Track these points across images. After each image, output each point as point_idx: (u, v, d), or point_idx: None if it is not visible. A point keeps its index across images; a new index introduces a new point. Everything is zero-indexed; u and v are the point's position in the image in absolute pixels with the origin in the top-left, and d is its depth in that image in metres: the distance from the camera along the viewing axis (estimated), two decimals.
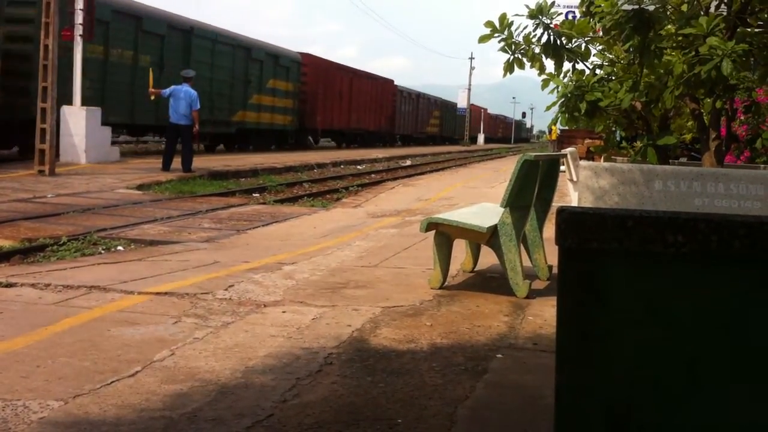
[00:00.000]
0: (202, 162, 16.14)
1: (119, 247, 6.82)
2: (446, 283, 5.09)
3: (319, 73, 30.89)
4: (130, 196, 10.72)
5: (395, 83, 44.45)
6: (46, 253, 6.36)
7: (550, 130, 23.90)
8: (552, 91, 6.70)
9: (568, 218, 1.17)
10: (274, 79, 26.49)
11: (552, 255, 5.29)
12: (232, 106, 23.37)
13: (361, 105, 37.08)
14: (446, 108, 59.40)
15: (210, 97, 20.36)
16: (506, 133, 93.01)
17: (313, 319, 4.14)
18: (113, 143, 16.53)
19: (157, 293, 4.60)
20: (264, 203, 11.41)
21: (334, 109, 33.04)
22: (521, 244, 5.09)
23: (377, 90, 40.20)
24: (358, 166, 22.26)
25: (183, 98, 14.23)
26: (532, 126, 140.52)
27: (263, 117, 25.79)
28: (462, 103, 62.82)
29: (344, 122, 34.71)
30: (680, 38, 6.38)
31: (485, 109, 76.59)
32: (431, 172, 22.41)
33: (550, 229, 5.91)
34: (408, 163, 26.08)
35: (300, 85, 29.18)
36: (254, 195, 12.73)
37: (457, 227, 4.92)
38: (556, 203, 5.33)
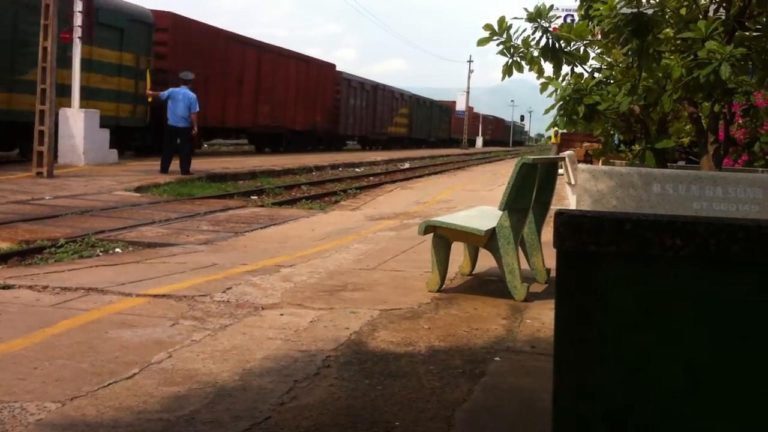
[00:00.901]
0: (200, 164, 16.13)
1: (117, 250, 6.81)
2: (444, 286, 5.09)
3: (192, 45, 20.43)
4: (128, 199, 10.71)
5: (338, 69, 33.97)
6: (44, 255, 6.35)
7: (557, 133, 23.69)
8: (551, 95, 6.71)
9: (566, 221, 1.17)
10: (89, 45, 16.05)
11: (550, 258, 5.29)
12: None
13: (280, 95, 26.75)
14: (419, 104, 49.12)
15: None
16: (497, 135, 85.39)
17: (311, 321, 4.13)
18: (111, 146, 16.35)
19: (155, 295, 4.59)
20: (262, 206, 11.40)
21: (229, 98, 23.02)
22: (519, 247, 5.09)
23: (309, 76, 29.67)
24: (357, 169, 22.27)
25: (181, 100, 14.21)
26: (527, 130, 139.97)
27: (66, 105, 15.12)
28: (461, 105, 62.76)
29: (248, 118, 24.73)
30: (679, 42, 6.40)
31: (471, 108, 69.82)
32: (429, 174, 22.42)
33: (548, 233, 5.93)
34: (407, 165, 26.09)
35: (154, 60, 18.90)
36: (252, 197, 12.72)
37: (455, 230, 4.92)
38: (554, 206, 5.34)
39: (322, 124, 31.51)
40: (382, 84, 41.92)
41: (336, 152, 31.41)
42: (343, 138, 36.08)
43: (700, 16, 6.32)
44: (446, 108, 58.84)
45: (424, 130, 51.17)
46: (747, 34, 6.45)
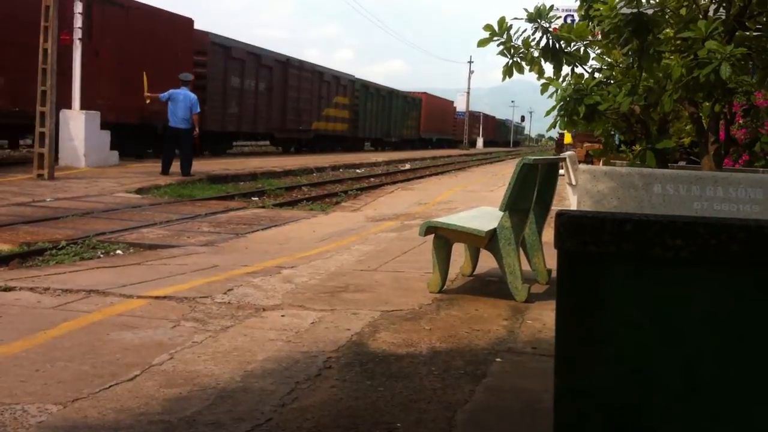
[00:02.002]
0: (201, 166, 16.13)
1: (118, 251, 6.81)
2: (445, 287, 5.08)
3: None
4: (129, 200, 10.72)
5: (199, 27, 20.87)
6: (45, 257, 6.36)
7: (574, 135, 23.07)
8: (551, 95, 6.70)
9: (567, 222, 1.17)
10: None
11: (551, 259, 5.29)
12: None
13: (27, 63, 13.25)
14: (367, 93, 36.96)
15: None
16: (496, 135, 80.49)
17: (312, 323, 4.13)
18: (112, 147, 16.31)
19: (156, 297, 4.59)
20: (263, 207, 11.40)
21: None
22: (520, 248, 5.09)
23: (131, 32, 17.64)
24: (357, 170, 22.26)
25: (182, 101, 14.20)
26: (527, 132, 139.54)
27: None
28: (461, 106, 62.68)
29: None
30: (679, 42, 6.40)
31: (452, 102, 62.07)
32: (430, 175, 22.41)
33: (549, 233, 5.93)
34: (407, 166, 26.08)
35: None
36: (253, 199, 12.73)
37: (456, 231, 4.92)
38: (555, 207, 5.34)
39: (156, 117, 17.18)
40: (298, 60, 28.04)
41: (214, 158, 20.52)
42: (225, 137, 23.56)
43: (700, 16, 6.32)
44: (414, 100, 46.52)
45: (379, 127, 38.97)
46: (747, 33, 6.44)
